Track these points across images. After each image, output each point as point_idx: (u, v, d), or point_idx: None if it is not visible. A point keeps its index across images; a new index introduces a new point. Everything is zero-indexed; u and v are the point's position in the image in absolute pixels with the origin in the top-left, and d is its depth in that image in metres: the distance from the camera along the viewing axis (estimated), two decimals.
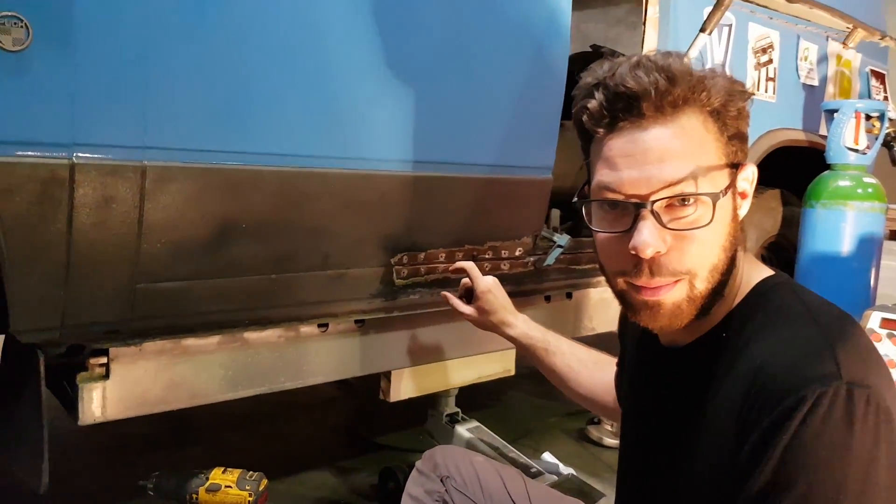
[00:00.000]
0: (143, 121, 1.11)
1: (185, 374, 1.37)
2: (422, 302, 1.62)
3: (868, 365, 0.71)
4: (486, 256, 1.66)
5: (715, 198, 0.75)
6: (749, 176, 0.82)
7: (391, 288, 1.54)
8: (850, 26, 2.52)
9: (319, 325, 1.54)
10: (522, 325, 1.34)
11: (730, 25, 2.07)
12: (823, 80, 2.55)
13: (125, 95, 1.09)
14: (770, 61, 2.28)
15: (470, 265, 1.41)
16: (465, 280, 1.41)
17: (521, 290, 1.83)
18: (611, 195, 0.77)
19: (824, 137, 2.42)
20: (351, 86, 1.34)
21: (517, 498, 1.18)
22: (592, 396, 1.26)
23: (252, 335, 1.45)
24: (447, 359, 1.77)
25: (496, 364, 1.88)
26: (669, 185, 0.75)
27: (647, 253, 0.75)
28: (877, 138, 2.40)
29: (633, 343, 1.01)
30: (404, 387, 1.71)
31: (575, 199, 0.85)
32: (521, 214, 1.69)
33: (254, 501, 1.33)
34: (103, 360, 1.27)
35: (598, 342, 3.10)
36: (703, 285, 0.77)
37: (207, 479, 1.34)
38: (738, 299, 0.83)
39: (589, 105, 0.78)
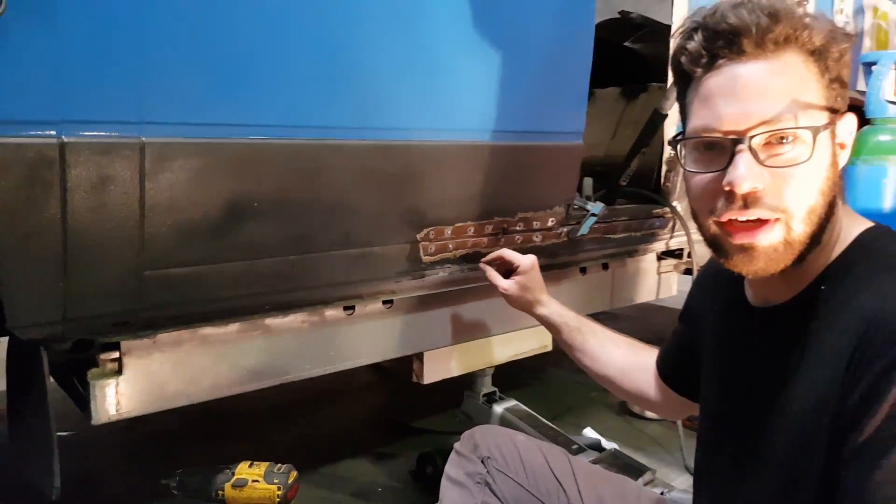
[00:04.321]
0: (138, 93, 0.95)
1: (205, 364, 1.23)
2: (452, 279, 1.46)
3: None
4: (518, 228, 1.48)
5: (816, 132, 0.69)
6: (849, 126, 0.75)
7: (419, 265, 1.37)
8: None
9: (345, 308, 1.39)
10: (555, 304, 1.32)
11: None
12: (860, 34, 2.32)
13: (117, 65, 0.93)
14: None
15: (505, 251, 1.36)
16: (498, 256, 1.37)
17: (556, 262, 1.65)
18: (707, 134, 0.72)
19: (862, 93, 2.19)
20: (366, 48, 1.15)
21: (562, 476, 1.08)
22: (622, 376, 1.18)
23: (274, 321, 1.30)
24: (481, 337, 1.61)
25: (532, 340, 1.71)
26: (767, 122, 0.69)
27: (743, 188, 0.69)
28: None
29: (719, 311, 0.90)
30: (438, 368, 1.55)
31: (670, 140, 0.86)
32: (553, 183, 1.51)
33: (283, 495, 1.19)
34: (115, 354, 1.13)
35: (636, 311, 2.91)
36: (800, 228, 0.70)
37: (233, 474, 1.20)
38: (836, 251, 0.74)
39: (688, 45, 0.74)
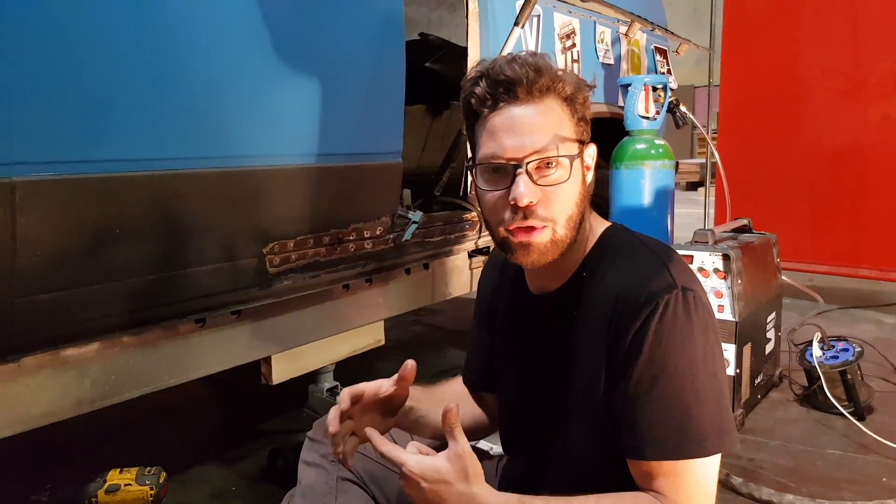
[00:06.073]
0: (8, 137, 1.10)
1: (69, 384, 1.36)
2: (295, 287, 1.70)
3: (690, 275, 0.96)
4: (351, 238, 1.77)
5: (572, 159, 0.94)
6: (592, 153, 1.02)
7: (266, 276, 1.60)
8: (630, 20, 2.90)
9: (197, 321, 1.57)
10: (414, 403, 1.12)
11: (538, 16, 2.31)
12: (618, 59, 2.90)
13: None
14: (573, 45, 2.57)
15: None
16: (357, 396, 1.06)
17: (385, 265, 1.96)
18: (494, 161, 0.94)
19: (622, 108, 2.76)
20: (211, 89, 1.38)
21: (402, 443, 1.27)
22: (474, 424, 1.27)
23: (131, 338, 1.45)
24: (322, 337, 1.86)
25: (367, 336, 2.00)
26: (538, 151, 0.93)
27: (524, 202, 0.92)
28: (662, 106, 2.78)
29: (507, 303, 1.15)
30: (285, 369, 1.78)
31: (467, 165, 1.03)
32: (379, 197, 1.81)
33: (156, 494, 1.36)
34: None
35: (452, 305, 3.29)
36: (562, 231, 0.95)
37: (105, 480, 1.34)
38: (589, 245, 1.03)
39: (475, 90, 0.95)
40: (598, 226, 1.05)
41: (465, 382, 1.27)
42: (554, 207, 0.94)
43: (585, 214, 1.00)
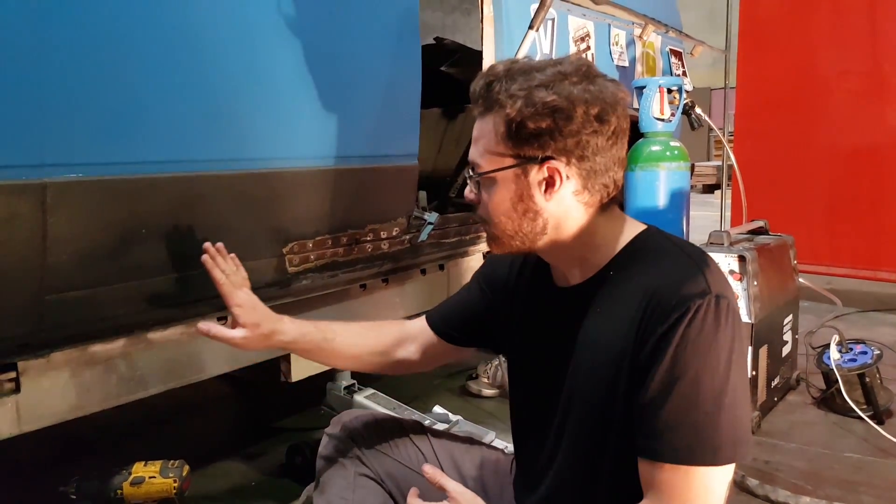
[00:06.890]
0: (40, 140, 1.15)
1: (95, 378, 1.41)
2: (313, 286, 1.74)
3: (724, 282, 0.96)
4: (368, 238, 1.81)
5: (486, 175, 0.99)
6: (552, 166, 0.96)
7: (285, 276, 1.64)
8: (643, 22, 2.92)
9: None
10: (293, 326, 1.24)
11: (553, 20, 2.35)
12: (633, 61, 2.92)
13: (21, 118, 1.12)
14: (588, 48, 2.60)
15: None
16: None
17: (400, 266, 2.00)
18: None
19: (637, 110, 2.78)
20: (234, 94, 1.43)
21: (419, 442, 1.32)
22: (384, 359, 1.30)
23: (155, 335, 1.50)
24: None
25: None
26: (471, 162, 1.02)
27: (466, 198, 1.04)
28: (677, 108, 2.80)
29: (529, 289, 1.16)
30: (303, 367, 1.82)
31: None
32: (395, 198, 1.86)
33: (179, 486, 1.40)
34: (12, 374, 1.29)
35: None
36: (496, 231, 1.02)
37: (130, 473, 1.39)
38: (619, 247, 1.02)
39: None
40: (631, 227, 1.04)
41: (429, 321, 1.29)
42: (484, 212, 1.02)
43: (540, 227, 1.00)
